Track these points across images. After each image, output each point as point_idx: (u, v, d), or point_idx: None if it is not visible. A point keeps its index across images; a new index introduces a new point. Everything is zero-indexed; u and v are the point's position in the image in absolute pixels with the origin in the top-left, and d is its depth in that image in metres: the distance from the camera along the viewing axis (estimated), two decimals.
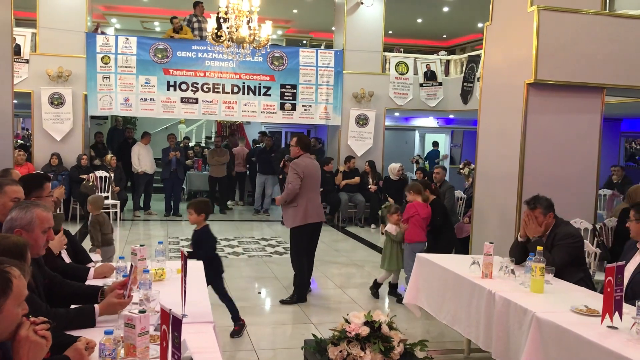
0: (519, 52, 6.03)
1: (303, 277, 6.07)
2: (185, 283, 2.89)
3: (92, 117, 11.94)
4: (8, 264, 1.77)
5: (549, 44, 5.77)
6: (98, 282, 3.54)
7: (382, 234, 6.56)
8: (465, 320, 4.01)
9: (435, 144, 16.01)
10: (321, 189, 6.43)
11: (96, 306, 2.77)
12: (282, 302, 5.94)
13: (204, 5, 11.69)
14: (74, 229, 9.23)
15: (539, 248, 3.72)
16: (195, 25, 11.61)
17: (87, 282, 3.54)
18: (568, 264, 4.09)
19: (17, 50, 10.11)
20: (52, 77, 10.61)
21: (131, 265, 3.17)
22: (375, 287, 6.36)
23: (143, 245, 3.49)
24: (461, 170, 10.41)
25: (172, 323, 1.91)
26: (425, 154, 16.03)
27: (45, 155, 10.51)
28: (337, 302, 6.19)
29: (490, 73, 6.61)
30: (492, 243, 4.03)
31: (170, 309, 1.93)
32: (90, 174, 10.27)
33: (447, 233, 6.53)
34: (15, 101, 8.01)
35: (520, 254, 4.36)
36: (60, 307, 2.83)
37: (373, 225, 11.20)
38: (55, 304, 2.85)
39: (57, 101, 10.66)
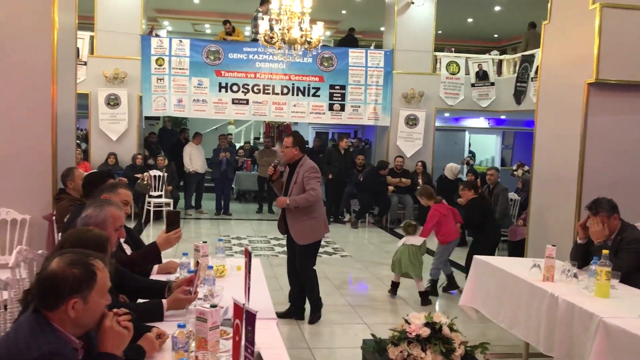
0: (579, 51, 5.87)
1: (318, 292, 5.38)
2: (249, 279, 2.93)
3: (145, 118, 12.26)
4: (93, 257, 1.84)
5: (611, 42, 5.60)
6: (162, 278, 3.64)
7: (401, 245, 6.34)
8: (525, 323, 3.93)
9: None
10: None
11: (164, 301, 2.84)
12: (310, 322, 5.27)
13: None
14: (129, 225, 9.48)
15: (605, 252, 3.62)
16: (259, 22, 11.70)
17: (152, 277, 3.64)
18: (635, 270, 3.95)
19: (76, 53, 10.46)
20: (109, 78, 10.94)
21: (196, 262, 3.24)
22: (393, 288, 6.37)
23: (205, 242, 3.56)
24: (515, 172, 10.21)
25: (245, 317, 1.95)
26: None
27: (102, 155, 10.84)
28: (388, 303, 6.18)
29: (549, 73, 6.46)
30: (555, 246, 3.94)
31: (243, 304, 1.97)
32: (145, 173, 10.53)
33: (489, 232, 6.52)
34: None
35: (581, 258, 4.25)
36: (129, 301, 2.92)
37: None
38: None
39: (113, 102, 10.98)
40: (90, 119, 11.06)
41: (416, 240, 6.19)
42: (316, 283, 5.34)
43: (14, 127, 5.02)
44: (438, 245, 6.45)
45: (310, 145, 14.11)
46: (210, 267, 3.18)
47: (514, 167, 10.40)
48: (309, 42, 8.44)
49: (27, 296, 2.00)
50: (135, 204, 10.55)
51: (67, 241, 2.24)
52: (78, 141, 14.21)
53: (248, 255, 3.01)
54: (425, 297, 6.09)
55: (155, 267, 3.76)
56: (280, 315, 5.17)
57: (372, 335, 3.37)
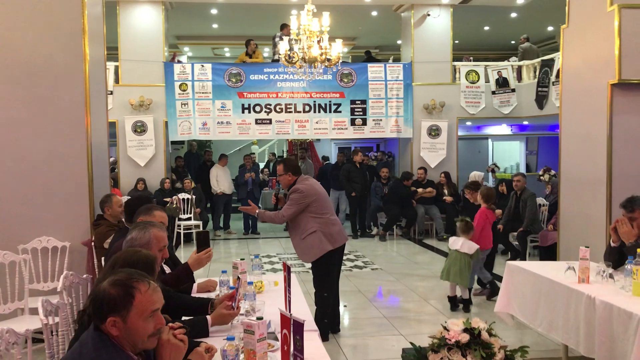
0: (600, 53, 5.89)
1: (326, 313, 5.15)
2: (290, 293, 3.01)
3: (171, 143, 12.50)
4: (137, 279, 1.91)
5: (632, 42, 5.61)
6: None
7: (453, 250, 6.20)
8: (563, 326, 3.93)
9: None
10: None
11: (208, 317, 2.93)
12: None
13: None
14: None
15: (639, 250, 3.62)
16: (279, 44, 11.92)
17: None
18: None
19: None
20: (135, 106, 11.21)
21: (236, 277, 3.33)
22: (454, 302, 6.24)
23: (243, 259, 3.65)
24: (541, 177, 10.17)
25: (293, 327, 2.02)
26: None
27: (131, 181, 11.06)
28: (422, 314, 6.19)
29: (570, 76, 6.48)
30: (588, 247, 3.95)
31: (291, 314, 2.04)
32: (174, 197, 10.72)
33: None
34: None
35: (616, 258, 4.24)
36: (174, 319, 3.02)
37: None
38: (169, 315, 3.05)
39: (139, 129, 11.24)
40: (119, 146, 11.32)
41: (469, 247, 6.05)
42: (326, 306, 5.13)
43: (52, 159, 5.20)
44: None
45: (334, 160, 14.20)
46: (250, 283, 3.27)
47: (540, 172, 10.35)
48: (329, 60, 8.58)
49: (82, 316, 2.10)
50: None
51: (117, 263, 2.34)
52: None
53: (287, 269, 3.10)
54: (467, 305, 6.11)
55: (195, 286, 3.87)
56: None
57: (412, 343, 3.41)
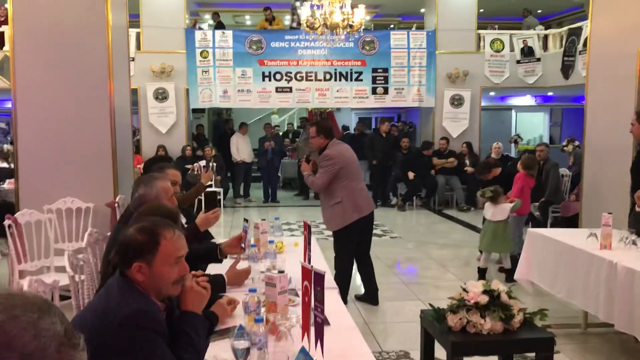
0: (630, 19, 5.73)
1: (346, 279, 5.11)
2: (310, 250, 3.04)
3: (192, 111, 12.55)
4: (163, 226, 1.95)
5: None
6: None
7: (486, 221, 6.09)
8: (583, 293, 3.92)
9: None
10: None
11: (225, 275, 2.97)
12: None
13: None
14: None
15: None
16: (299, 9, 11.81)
17: None
18: None
19: None
20: (156, 73, 11.24)
21: (245, 219, 3.36)
22: (481, 273, 6.07)
23: (264, 220, 3.69)
24: (565, 148, 10.02)
25: (314, 278, 2.04)
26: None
27: (152, 148, 11.16)
28: (441, 280, 6.21)
29: (599, 43, 6.32)
30: (611, 213, 3.91)
31: (312, 266, 2.06)
32: (195, 164, 10.79)
33: None
34: None
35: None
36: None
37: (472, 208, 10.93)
38: None
39: (161, 96, 11.29)
40: (140, 114, 11.39)
41: (501, 212, 5.96)
42: (347, 274, 5.12)
43: (77, 123, 5.25)
44: (512, 218, 6.16)
45: (353, 131, 14.15)
46: (272, 242, 3.30)
47: (564, 143, 10.20)
48: (351, 26, 8.48)
49: (107, 266, 2.15)
50: None
51: (143, 215, 2.37)
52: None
53: (307, 227, 3.12)
54: (509, 275, 5.75)
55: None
56: (358, 298, 5.33)
57: (430, 305, 3.43)
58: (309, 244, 3.06)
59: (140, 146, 11.43)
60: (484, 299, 3.17)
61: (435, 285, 6.06)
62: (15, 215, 4.39)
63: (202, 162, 10.91)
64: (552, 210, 8.42)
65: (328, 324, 2.48)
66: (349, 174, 4.95)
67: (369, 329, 4.61)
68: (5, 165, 9.04)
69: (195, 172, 10.67)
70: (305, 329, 2.17)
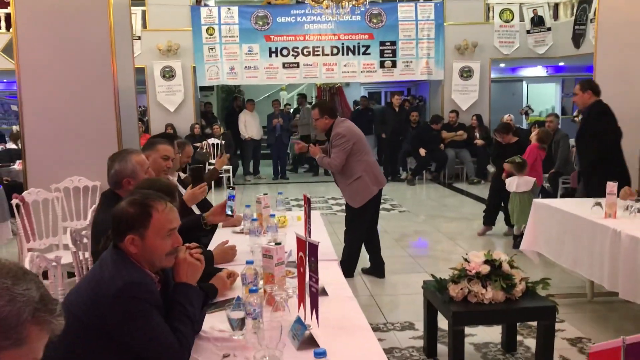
0: None
1: (356, 253, 5.18)
2: (310, 223, 3.05)
3: (200, 89, 12.54)
4: (154, 199, 1.96)
5: None
6: (227, 231, 3.82)
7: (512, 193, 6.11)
8: (588, 262, 3.90)
9: None
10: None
11: (213, 251, 2.99)
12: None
13: None
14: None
15: None
16: None
17: (218, 231, 3.82)
18: None
19: None
20: (163, 51, 11.22)
21: (230, 186, 3.37)
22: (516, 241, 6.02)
23: (266, 194, 3.70)
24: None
25: (308, 249, 2.05)
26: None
27: (161, 127, 11.18)
28: (450, 253, 6.20)
29: (607, 9, 6.18)
30: (616, 182, 3.87)
31: (306, 237, 2.07)
32: (203, 142, 10.82)
33: None
34: None
35: None
36: None
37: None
38: None
39: (168, 74, 11.28)
40: (148, 92, 11.41)
41: (525, 184, 6.02)
42: (357, 248, 5.17)
43: (82, 102, 5.26)
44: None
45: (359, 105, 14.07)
46: (273, 216, 3.32)
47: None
48: None
49: (106, 241, 2.18)
50: None
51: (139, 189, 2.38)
52: (139, 116, 14.73)
53: (307, 201, 3.12)
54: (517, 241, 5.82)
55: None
56: (365, 272, 5.36)
57: (432, 275, 3.44)
58: (309, 217, 3.07)
59: (149, 125, 11.47)
60: (486, 269, 3.18)
61: (443, 258, 6.05)
62: (22, 194, 4.44)
63: (211, 140, 10.95)
64: (562, 181, 8.36)
65: (326, 294, 2.51)
66: (362, 149, 4.98)
67: (374, 301, 4.65)
68: (14, 146, 9.13)
69: (204, 150, 10.71)
70: (301, 299, 2.19)
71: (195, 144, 10.80)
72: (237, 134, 11.87)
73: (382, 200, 8.68)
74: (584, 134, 5.21)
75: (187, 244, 2.04)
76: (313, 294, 2.07)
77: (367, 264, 5.41)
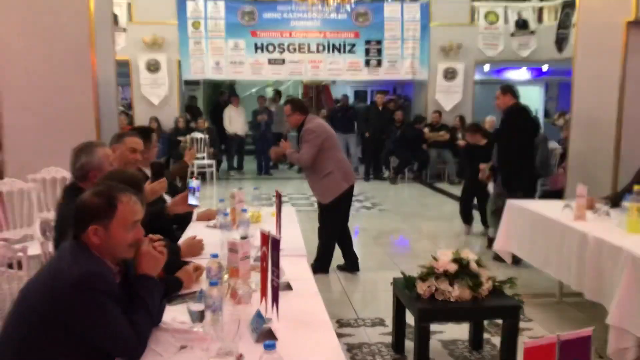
0: None
1: (330, 249, 5.24)
2: (280, 218, 3.07)
3: (186, 83, 12.50)
4: (120, 190, 1.97)
5: None
6: (201, 225, 3.83)
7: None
8: (557, 262, 3.97)
9: None
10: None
11: (180, 245, 3.00)
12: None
13: None
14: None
15: (637, 187, 3.59)
16: None
17: (191, 225, 3.84)
18: None
19: (114, 20, 10.69)
20: (148, 44, 11.17)
21: (193, 174, 3.37)
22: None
23: (241, 189, 3.72)
24: (556, 122, 10.01)
25: (271, 243, 2.08)
26: None
27: (145, 120, 11.10)
28: (426, 252, 6.22)
29: (587, 14, 6.26)
30: (586, 185, 3.94)
31: (269, 231, 2.10)
32: (187, 136, 10.80)
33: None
34: None
35: (615, 197, 4.23)
36: None
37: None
38: None
39: (153, 67, 11.23)
40: (132, 85, 11.35)
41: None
42: (332, 244, 5.23)
43: (60, 92, 5.25)
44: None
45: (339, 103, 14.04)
46: (245, 210, 3.34)
47: (555, 117, 10.19)
48: None
49: (59, 237, 2.18)
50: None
51: (106, 180, 2.38)
52: (122, 107, 14.64)
53: (279, 196, 3.15)
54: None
55: (195, 214, 3.95)
56: (340, 268, 5.38)
57: (402, 272, 3.48)
58: (280, 212, 3.09)
59: (133, 118, 11.41)
60: (453, 267, 3.23)
61: (419, 256, 6.07)
62: None
63: (195, 134, 10.93)
64: (541, 184, 8.44)
65: (290, 289, 2.53)
66: (332, 145, 5.05)
67: (347, 297, 4.69)
68: None
69: (188, 144, 10.69)
70: (263, 293, 2.21)
71: (179, 138, 10.80)
72: (223, 129, 11.85)
73: (363, 198, 8.75)
74: (502, 132, 5.91)
75: (150, 236, 2.06)
76: (274, 288, 2.10)
77: (342, 261, 5.44)
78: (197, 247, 3.02)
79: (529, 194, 5.89)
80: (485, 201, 6.54)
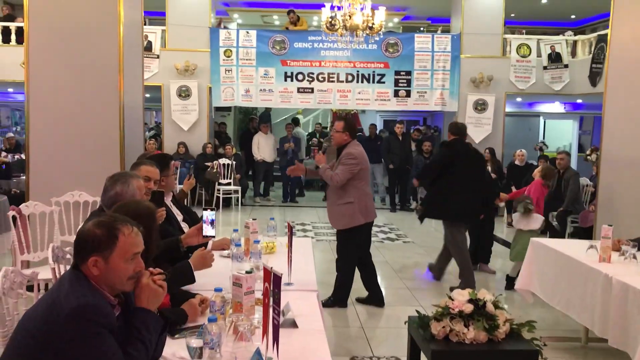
0: None
1: (348, 281, 5.18)
2: (291, 252, 3.03)
3: (217, 109, 12.68)
4: (122, 222, 1.95)
5: None
6: (215, 254, 3.80)
7: (513, 226, 6.04)
8: (580, 305, 3.82)
9: None
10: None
11: (191, 262, 2.96)
12: (324, 303, 4.66)
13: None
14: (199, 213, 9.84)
15: None
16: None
17: None
18: None
19: (148, 47, 10.98)
20: (180, 70, 11.38)
21: (206, 209, 3.30)
22: (510, 282, 5.84)
23: (255, 219, 3.69)
24: (588, 157, 9.80)
25: (273, 280, 2.04)
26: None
27: (174, 144, 11.31)
28: (448, 288, 6.11)
29: (618, 49, 6.14)
30: (611, 225, 3.80)
31: (271, 267, 2.06)
32: (215, 162, 10.90)
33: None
34: (147, 95, 8.73)
35: None
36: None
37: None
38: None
39: (184, 93, 11.43)
40: (163, 111, 11.56)
41: (535, 222, 5.90)
42: (349, 276, 5.16)
43: (87, 117, 5.35)
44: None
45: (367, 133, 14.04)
46: (257, 242, 3.30)
47: (587, 152, 9.97)
48: (371, 28, 8.45)
49: None
50: (205, 191, 10.99)
51: (121, 212, 2.37)
52: (154, 131, 14.91)
53: (290, 229, 3.11)
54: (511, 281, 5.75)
55: (210, 243, 3.93)
56: (361, 301, 5.33)
57: (417, 311, 3.39)
58: (291, 245, 3.05)
59: (162, 143, 11.60)
60: (469, 308, 3.12)
61: (441, 293, 5.95)
62: (19, 206, 4.49)
63: (223, 160, 11.02)
64: (571, 220, 8.23)
65: (295, 326, 2.47)
66: (363, 176, 5.04)
67: (364, 333, 4.59)
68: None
69: (215, 170, 10.79)
70: (264, 330, 2.16)
71: (206, 163, 10.91)
72: (252, 155, 11.94)
73: (388, 230, 8.65)
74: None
75: (150, 269, 2.04)
76: (275, 326, 2.04)
77: (363, 293, 5.35)
78: (207, 258, 2.97)
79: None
80: (490, 237, 6.58)
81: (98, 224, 1.93)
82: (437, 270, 6.40)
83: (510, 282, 5.90)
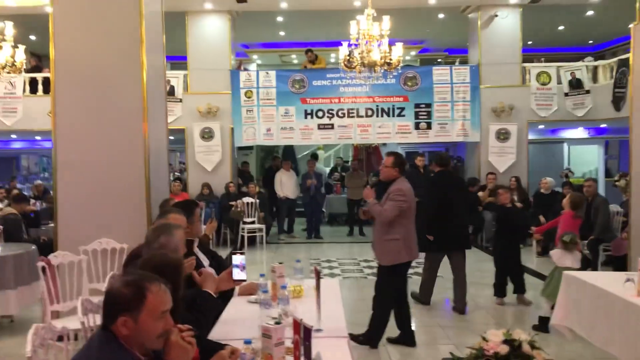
0: None
1: (384, 320, 5.12)
2: (320, 297, 2.98)
3: (239, 148, 12.80)
4: (150, 280, 1.95)
5: None
6: (242, 300, 3.78)
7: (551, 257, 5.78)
8: (620, 342, 3.68)
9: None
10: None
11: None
12: (351, 336, 4.18)
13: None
14: (224, 253, 9.84)
15: None
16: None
17: (233, 300, 3.78)
18: None
19: (172, 91, 11.19)
20: (202, 113, 11.56)
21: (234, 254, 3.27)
22: (543, 324, 5.49)
23: (282, 263, 3.66)
24: (617, 183, 9.61)
25: (303, 332, 2.00)
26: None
27: (198, 185, 11.41)
28: (478, 324, 5.97)
29: None
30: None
31: (301, 319, 2.02)
32: (238, 201, 10.94)
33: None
34: (171, 137, 8.86)
35: None
36: None
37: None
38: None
39: (207, 135, 11.58)
40: (187, 152, 11.71)
41: (573, 260, 5.56)
42: (386, 314, 5.11)
43: (112, 164, 5.43)
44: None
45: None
46: (284, 287, 3.27)
47: (616, 178, 9.79)
48: (389, 64, 8.49)
49: None
50: (230, 230, 11.01)
51: (149, 265, 2.36)
52: (178, 174, 15.09)
53: (317, 274, 3.08)
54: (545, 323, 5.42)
55: (237, 289, 3.91)
56: (392, 341, 5.24)
57: (451, 353, 3.30)
58: (319, 291, 3.01)
59: (187, 184, 11.71)
60: (504, 349, 3.03)
61: (472, 329, 5.82)
62: (48, 257, 4.53)
63: (246, 199, 11.06)
64: (604, 249, 8.03)
65: None
66: (409, 214, 5.03)
67: None
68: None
69: (239, 209, 10.82)
70: None
71: (230, 202, 10.96)
72: (274, 192, 11.98)
73: (415, 264, 8.53)
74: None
75: (179, 326, 2.02)
76: None
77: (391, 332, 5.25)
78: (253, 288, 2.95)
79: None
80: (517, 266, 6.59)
81: (126, 283, 1.92)
82: (458, 301, 6.48)
83: (542, 323, 5.53)
